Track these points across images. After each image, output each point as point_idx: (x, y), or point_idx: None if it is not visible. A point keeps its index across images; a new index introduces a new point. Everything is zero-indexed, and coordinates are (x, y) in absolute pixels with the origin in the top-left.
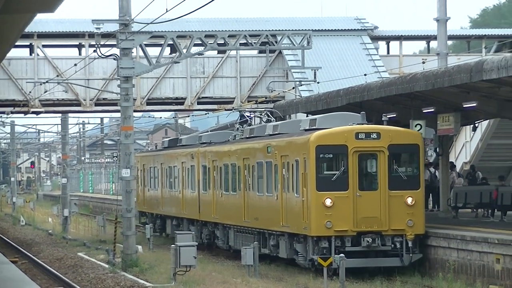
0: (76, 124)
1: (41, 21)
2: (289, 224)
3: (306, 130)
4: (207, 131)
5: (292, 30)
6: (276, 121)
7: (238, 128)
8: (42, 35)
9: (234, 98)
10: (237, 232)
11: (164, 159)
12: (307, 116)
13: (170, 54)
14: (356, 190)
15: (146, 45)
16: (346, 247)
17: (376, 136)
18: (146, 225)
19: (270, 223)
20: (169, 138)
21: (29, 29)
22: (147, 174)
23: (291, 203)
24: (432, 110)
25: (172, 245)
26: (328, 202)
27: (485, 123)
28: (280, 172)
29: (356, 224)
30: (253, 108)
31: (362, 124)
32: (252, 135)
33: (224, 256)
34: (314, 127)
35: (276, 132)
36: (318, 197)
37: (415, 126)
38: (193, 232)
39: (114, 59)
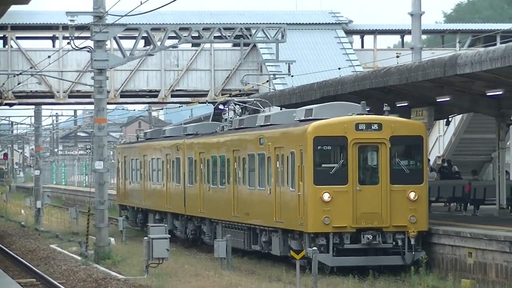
0: (50, 116)
1: (15, 13)
2: (283, 220)
3: (301, 120)
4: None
5: (267, 23)
6: (250, 114)
7: (226, 119)
8: (16, 27)
9: (208, 91)
10: (225, 227)
11: (147, 151)
12: (281, 109)
13: (144, 46)
14: (356, 184)
15: (120, 38)
16: (344, 245)
17: (377, 127)
18: (119, 218)
19: (262, 218)
20: (151, 129)
21: (2, 21)
22: (128, 167)
23: (286, 198)
24: (406, 104)
25: (145, 238)
26: (326, 196)
27: (458, 118)
28: (274, 165)
29: (355, 220)
30: (242, 99)
31: (363, 114)
32: (241, 126)
33: (197, 249)
34: (310, 118)
35: (268, 123)
36: (315, 192)
37: None
38: (166, 225)
39: (88, 51)
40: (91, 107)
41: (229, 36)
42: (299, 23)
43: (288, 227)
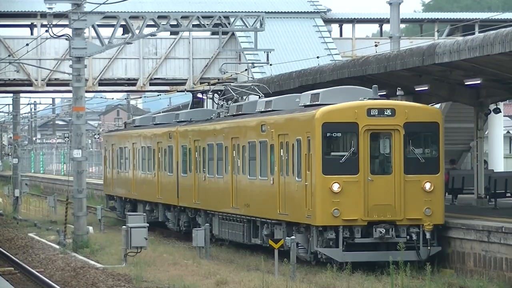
0: (28, 104)
1: None
2: (287, 212)
3: (306, 106)
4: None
5: (245, 12)
6: (229, 103)
7: (222, 105)
8: None
9: (187, 79)
10: (222, 219)
11: (137, 139)
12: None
13: (122, 34)
14: (368, 174)
15: (99, 26)
16: (355, 239)
17: (390, 113)
18: (98, 206)
19: (264, 210)
20: (140, 116)
21: None
22: (116, 155)
23: (291, 188)
24: (384, 93)
25: (123, 227)
26: (335, 187)
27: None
28: (277, 153)
29: (367, 213)
30: (239, 84)
31: (375, 99)
32: (239, 113)
33: (175, 238)
34: (316, 103)
35: (269, 109)
36: (324, 182)
37: None
38: (144, 214)
39: (66, 39)
40: (70, 95)
41: (207, 24)
42: (278, 12)
43: (293, 219)
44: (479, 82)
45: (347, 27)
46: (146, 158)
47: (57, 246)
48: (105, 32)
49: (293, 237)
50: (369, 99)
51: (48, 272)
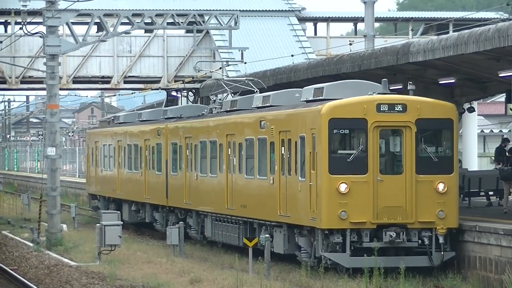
0: (1, 101)
1: None
2: (289, 214)
3: (308, 101)
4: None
5: (220, 10)
6: (199, 103)
7: (214, 100)
8: None
9: (161, 77)
10: (216, 221)
11: (122, 136)
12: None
13: (97, 32)
14: (377, 173)
15: (73, 23)
16: (363, 243)
17: (401, 109)
18: (71, 204)
19: (262, 211)
20: (125, 113)
21: None
22: (100, 153)
23: (294, 189)
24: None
25: (97, 224)
26: (343, 187)
27: None
28: (278, 151)
29: (376, 215)
30: (232, 78)
31: (384, 94)
32: (234, 108)
33: (149, 236)
34: (320, 98)
35: (268, 104)
36: (331, 182)
37: None
38: (118, 212)
39: (40, 36)
40: (44, 93)
41: (182, 22)
42: (252, 10)
43: (295, 222)
44: (453, 81)
45: (321, 25)
46: (132, 156)
47: (31, 244)
48: (79, 29)
49: (267, 235)
50: (379, 93)
51: (21, 270)
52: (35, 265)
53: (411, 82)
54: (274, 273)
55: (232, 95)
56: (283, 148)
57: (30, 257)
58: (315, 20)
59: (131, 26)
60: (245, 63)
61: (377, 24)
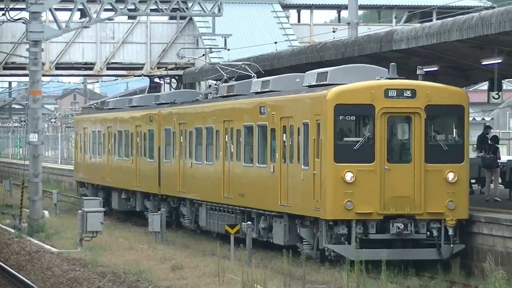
0: None
1: None
2: (291, 204)
3: (311, 86)
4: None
5: None
6: (217, 84)
7: (210, 85)
8: None
9: (144, 64)
10: (211, 210)
11: (112, 122)
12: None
13: (80, 18)
14: (384, 162)
15: (56, 9)
16: (369, 234)
17: (410, 94)
18: (53, 190)
19: (262, 201)
20: (115, 98)
21: None
22: (88, 139)
23: (296, 177)
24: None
25: (79, 211)
26: (348, 176)
27: None
28: (279, 138)
29: (383, 206)
30: (228, 62)
31: (392, 78)
32: (231, 94)
33: (131, 223)
34: (324, 83)
35: (267, 89)
36: (336, 171)
37: None
38: (100, 198)
39: (23, 23)
40: (26, 79)
41: (165, 9)
42: None
43: (297, 212)
44: (436, 68)
45: (305, 13)
46: (123, 143)
47: (12, 230)
48: (63, 16)
49: (249, 222)
50: (387, 78)
51: (3, 256)
52: (17, 252)
53: (420, 67)
54: (255, 260)
55: (228, 80)
56: (284, 135)
57: (12, 243)
58: (299, 8)
59: (114, 12)
60: (228, 50)
61: (360, 12)
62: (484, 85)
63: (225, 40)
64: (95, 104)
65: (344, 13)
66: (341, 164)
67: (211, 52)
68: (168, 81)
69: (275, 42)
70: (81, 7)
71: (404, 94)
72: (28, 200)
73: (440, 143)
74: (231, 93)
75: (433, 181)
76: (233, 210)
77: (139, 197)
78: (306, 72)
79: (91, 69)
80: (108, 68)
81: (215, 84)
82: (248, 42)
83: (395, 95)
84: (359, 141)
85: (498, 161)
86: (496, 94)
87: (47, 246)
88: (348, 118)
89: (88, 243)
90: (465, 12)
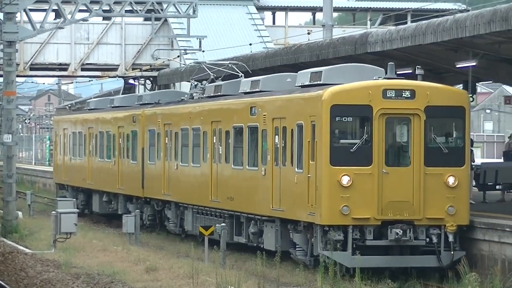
0: None
1: None
2: (283, 208)
3: (304, 86)
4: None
5: None
6: (203, 83)
7: (196, 85)
8: None
9: (119, 65)
10: (197, 214)
11: (93, 123)
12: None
13: (54, 19)
14: (382, 165)
15: (31, 10)
16: (366, 240)
17: (409, 95)
18: (27, 191)
19: (252, 205)
20: (96, 99)
21: None
22: (68, 140)
23: (289, 181)
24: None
25: (53, 212)
26: (345, 180)
27: None
28: (271, 140)
29: (381, 211)
30: (215, 62)
31: (391, 78)
32: (218, 94)
33: (105, 224)
34: (318, 82)
35: (257, 89)
36: (332, 174)
37: None
38: (74, 199)
39: None
40: (0, 79)
41: (140, 10)
42: None
43: (290, 217)
44: (410, 71)
45: (280, 14)
46: (105, 144)
47: None
48: (37, 16)
49: (223, 224)
50: (385, 78)
51: None
52: None
53: (419, 67)
54: (230, 262)
55: (215, 79)
56: (277, 136)
57: None
58: (274, 9)
59: (89, 13)
60: (203, 51)
61: (335, 14)
62: (459, 88)
63: (200, 42)
64: (69, 105)
65: (319, 15)
66: (338, 167)
67: (186, 54)
68: (143, 82)
69: (250, 44)
70: (55, 8)
71: (403, 95)
72: (1, 201)
73: (440, 145)
74: (219, 93)
75: (433, 185)
76: (221, 214)
77: (121, 200)
78: (299, 72)
79: (65, 70)
80: (82, 69)
81: (202, 84)
82: (223, 44)
83: (393, 95)
84: (356, 143)
85: (472, 164)
86: (471, 97)
87: (21, 247)
88: (344, 119)
89: (62, 244)
90: (440, 15)
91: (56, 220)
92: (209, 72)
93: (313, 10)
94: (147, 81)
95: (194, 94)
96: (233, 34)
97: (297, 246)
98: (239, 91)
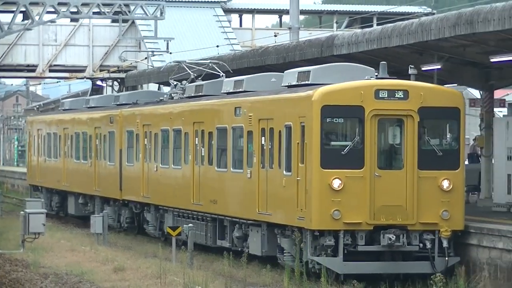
0: None
1: None
2: (270, 212)
3: (291, 86)
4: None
5: (146, 0)
6: (183, 83)
7: (176, 84)
8: None
9: (86, 66)
10: (178, 216)
11: (69, 124)
12: (159, 87)
13: (22, 21)
14: (375, 168)
15: None
16: (358, 246)
17: (402, 95)
18: None
19: (237, 208)
20: (71, 99)
21: None
22: (43, 141)
23: (276, 184)
24: None
25: (21, 212)
26: (336, 184)
27: None
28: (257, 141)
29: (373, 215)
30: (195, 61)
31: (383, 78)
32: (199, 94)
33: (73, 224)
34: (306, 82)
35: (240, 89)
36: (322, 177)
37: None
38: (42, 200)
39: None
40: None
41: (108, 12)
42: (178, 1)
43: (278, 221)
44: (376, 74)
45: (247, 17)
46: (81, 145)
47: None
48: (5, 18)
49: (190, 225)
50: (377, 78)
51: None
52: None
53: (412, 66)
54: (197, 262)
55: (195, 79)
56: (263, 138)
57: None
58: (241, 12)
59: (56, 15)
60: (170, 53)
61: (302, 17)
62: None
63: (167, 44)
64: (37, 106)
65: (286, 18)
66: (328, 170)
67: (153, 55)
68: (111, 83)
69: (217, 46)
70: (23, 9)
71: (396, 95)
72: None
73: (434, 148)
74: (200, 93)
75: (427, 189)
76: (204, 217)
77: (98, 202)
78: (285, 72)
79: (33, 71)
80: (50, 70)
81: (181, 84)
82: (190, 46)
83: (386, 96)
84: (348, 145)
85: None
86: None
87: None
88: (335, 120)
89: (30, 244)
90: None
91: (24, 220)
92: (189, 72)
93: (280, 12)
94: (115, 82)
95: (174, 94)
96: (200, 36)
97: (284, 251)
98: (222, 91)
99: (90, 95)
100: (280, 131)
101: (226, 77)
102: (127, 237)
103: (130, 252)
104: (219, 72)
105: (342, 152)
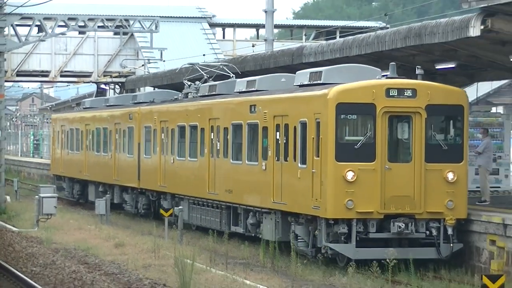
0: None
1: None
2: (285, 201)
3: (302, 85)
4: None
5: (143, 16)
6: (196, 84)
7: (190, 85)
8: None
9: (92, 72)
10: (193, 204)
11: (90, 120)
12: (154, 89)
13: (37, 33)
14: (385, 161)
15: (17, 25)
16: (369, 233)
17: (411, 94)
18: (14, 179)
19: (252, 197)
20: (91, 99)
21: None
22: (66, 136)
23: (292, 176)
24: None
25: (36, 196)
26: (349, 175)
27: None
28: (272, 136)
29: (383, 205)
30: (208, 63)
31: (393, 78)
32: (213, 93)
33: (81, 207)
34: (318, 82)
35: (253, 89)
36: (337, 169)
37: None
38: (54, 185)
39: None
40: None
41: (110, 26)
42: (171, 16)
43: (294, 210)
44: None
45: (229, 30)
46: (101, 139)
47: None
48: (23, 30)
49: (180, 207)
50: (387, 77)
51: None
52: None
53: (419, 67)
54: (186, 239)
55: (208, 79)
56: (278, 133)
57: None
58: (224, 26)
59: (67, 28)
60: (164, 61)
61: (276, 30)
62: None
63: (161, 53)
64: (50, 106)
65: (262, 31)
66: (342, 163)
67: (149, 63)
68: (113, 87)
69: (204, 55)
70: (38, 23)
71: (405, 94)
72: None
73: (440, 142)
74: (213, 93)
75: (433, 181)
76: (218, 205)
77: (117, 190)
78: (297, 72)
79: (46, 76)
80: (61, 76)
81: (195, 84)
82: (181, 55)
83: (396, 94)
84: (360, 140)
85: None
86: None
87: (9, 226)
88: (349, 117)
89: (44, 224)
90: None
91: (38, 203)
92: (202, 73)
93: (257, 26)
94: (116, 86)
95: (189, 93)
96: (189, 47)
97: (298, 237)
98: (235, 90)
99: (95, 96)
100: (295, 127)
101: (236, 78)
102: (126, 217)
103: (129, 230)
104: (229, 73)
105: (355, 146)
